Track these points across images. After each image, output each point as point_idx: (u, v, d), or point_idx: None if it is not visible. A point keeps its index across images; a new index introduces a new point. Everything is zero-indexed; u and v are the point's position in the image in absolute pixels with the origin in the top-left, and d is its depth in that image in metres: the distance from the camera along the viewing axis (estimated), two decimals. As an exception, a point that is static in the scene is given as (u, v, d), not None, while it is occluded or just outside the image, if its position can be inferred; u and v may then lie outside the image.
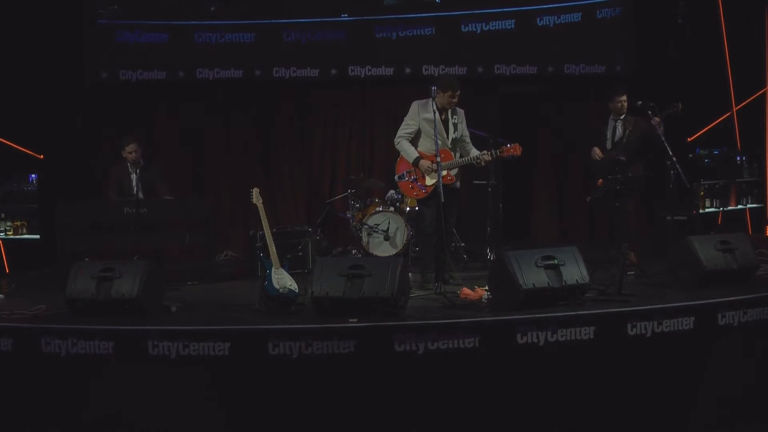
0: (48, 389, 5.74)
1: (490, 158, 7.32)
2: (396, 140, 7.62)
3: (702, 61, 10.31)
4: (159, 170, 8.76)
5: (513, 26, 10.55)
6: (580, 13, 10.57)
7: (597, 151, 8.31)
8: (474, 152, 7.52)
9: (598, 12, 10.61)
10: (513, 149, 7.29)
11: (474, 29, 10.54)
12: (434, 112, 7.28)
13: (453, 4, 10.51)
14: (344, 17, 10.47)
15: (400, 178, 7.68)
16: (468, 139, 7.60)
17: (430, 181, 7.45)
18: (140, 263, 6.47)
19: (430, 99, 7.34)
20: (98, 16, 10.21)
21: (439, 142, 7.26)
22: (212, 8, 10.21)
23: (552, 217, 11.32)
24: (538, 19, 10.55)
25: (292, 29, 10.48)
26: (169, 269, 8.28)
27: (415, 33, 10.54)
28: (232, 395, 5.65)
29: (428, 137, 7.40)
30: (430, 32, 10.54)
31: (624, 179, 7.52)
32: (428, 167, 7.38)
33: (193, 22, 10.36)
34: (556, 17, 10.52)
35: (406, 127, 7.56)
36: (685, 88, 9.87)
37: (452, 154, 7.43)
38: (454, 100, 7.36)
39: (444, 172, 7.27)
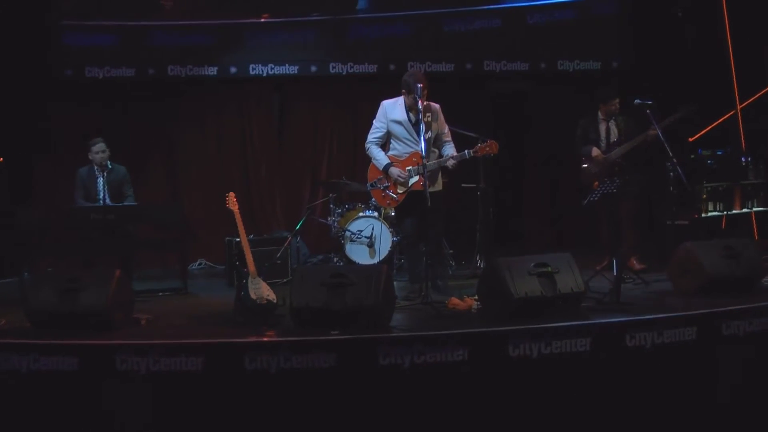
0: (6, 408, 5.68)
1: (459, 159, 7.25)
2: (366, 145, 7.57)
3: (704, 56, 10.34)
4: (127, 173, 8.70)
5: (500, 23, 10.60)
6: (574, 9, 10.62)
7: (596, 152, 8.32)
8: (448, 152, 7.42)
9: (593, 6, 10.66)
10: (488, 147, 7.24)
11: (459, 28, 10.58)
12: (419, 112, 7.11)
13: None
14: (315, 17, 10.50)
15: (372, 186, 7.63)
16: (447, 137, 7.49)
17: (401, 188, 7.42)
18: (107, 273, 6.42)
19: (401, 98, 7.30)
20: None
21: (412, 145, 7.26)
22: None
23: (545, 221, 11.33)
24: (528, 16, 10.60)
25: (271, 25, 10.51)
26: (139, 279, 8.23)
27: (397, 29, 10.57)
28: (207, 413, 5.61)
29: (398, 140, 7.37)
30: (414, 27, 10.57)
31: (621, 181, 7.53)
32: (398, 175, 7.35)
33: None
34: (548, 15, 10.56)
35: (375, 131, 7.52)
36: (686, 84, 9.93)
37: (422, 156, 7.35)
38: (419, 99, 7.15)
39: (416, 177, 7.24)
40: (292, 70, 10.53)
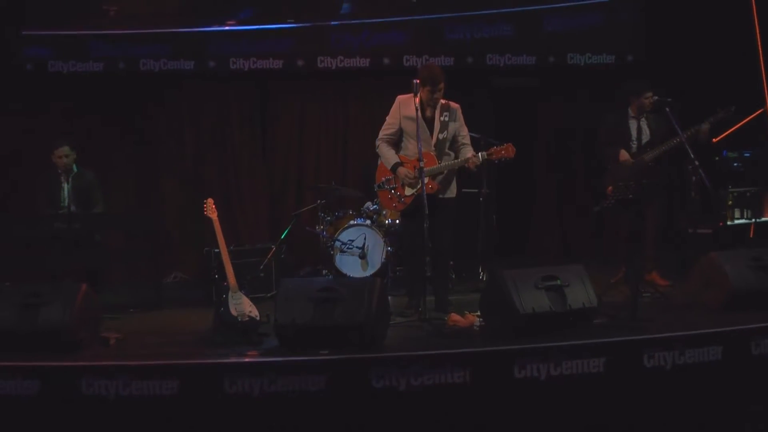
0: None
1: (479, 161, 7.30)
2: (376, 142, 7.63)
3: (728, 48, 10.34)
4: (95, 179, 8.68)
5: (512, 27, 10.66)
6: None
7: (625, 156, 8.25)
8: (465, 155, 7.46)
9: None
10: (504, 151, 7.26)
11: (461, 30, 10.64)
12: (417, 109, 7.19)
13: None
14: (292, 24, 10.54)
15: (379, 186, 7.68)
16: (465, 140, 7.52)
17: (409, 191, 7.44)
18: (72, 287, 6.40)
19: (414, 94, 7.32)
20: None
21: (424, 145, 7.25)
22: None
23: (554, 230, 11.33)
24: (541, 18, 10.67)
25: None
26: (108, 294, 8.20)
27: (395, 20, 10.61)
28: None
29: (412, 139, 7.38)
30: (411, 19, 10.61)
31: (638, 186, 7.51)
32: (406, 175, 7.37)
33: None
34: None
35: (387, 128, 7.56)
36: (710, 80, 9.91)
37: (435, 157, 7.39)
38: (435, 96, 7.31)
39: (425, 180, 7.24)
40: (276, 64, 10.51)
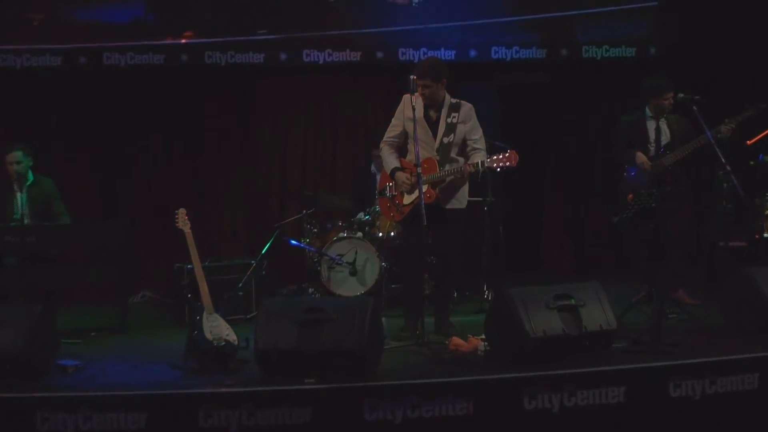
0: None
1: (473, 170, 7.25)
2: (380, 145, 7.68)
3: (762, 40, 10.37)
4: (54, 187, 8.66)
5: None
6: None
7: (642, 158, 8.25)
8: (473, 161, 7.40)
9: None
10: (506, 159, 7.20)
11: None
12: (413, 109, 7.15)
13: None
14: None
15: (380, 194, 7.73)
16: (477, 145, 7.45)
17: (407, 199, 7.43)
18: (26, 308, 6.37)
19: (411, 92, 7.30)
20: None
21: (429, 149, 7.28)
22: None
23: (568, 243, 11.34)
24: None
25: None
26: (67, 316, 8.17)
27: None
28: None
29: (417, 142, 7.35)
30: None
31: (662, 194, 7.50)
32: (404, 181, 7.37)
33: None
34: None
35: (391, 129, 7.61)
36: (740, 75, 9.91)
37: (438, 163, 7.36)
38: (423, 92, 7.27)
39: (424, 188, 7.20)
40: (257, 58, 10.53)
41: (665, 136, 8.33)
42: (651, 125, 8.37)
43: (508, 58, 10.68)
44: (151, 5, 10.47)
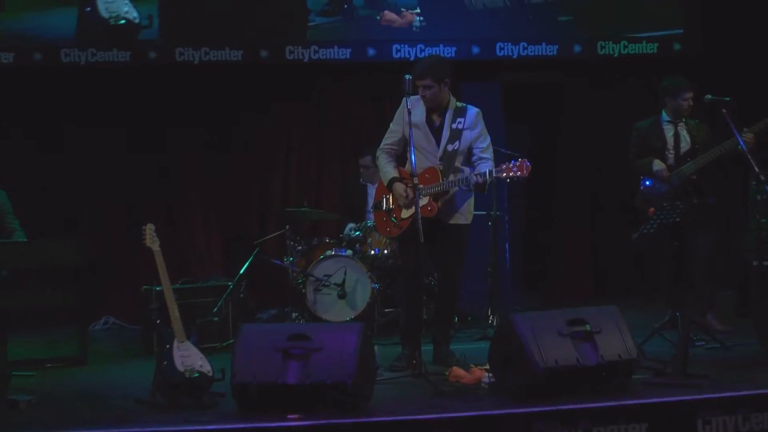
0: None
1: (480, 180, 7.23)
2: (376, 153, 7.69)
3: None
4: (8, 199, 8.63)
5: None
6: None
7: (660, 166, 8.24)
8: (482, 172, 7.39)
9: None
10: (516, 168, 7.19)
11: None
12: (409, 113, 7.17)
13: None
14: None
15: (375, 207, 7.74)
16: (484, 153, 7.45)
17: (405, 213, 7.41)
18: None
19: (407, 94, 7.30)
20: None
21: (431, 158, 7.30)
22: None
23: (582, 262, 11.35)
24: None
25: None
26: (19, 345, 8.12)
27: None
28: None
29: (416, 150, 7.33)
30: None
31: (688, 207, 7.49)
32: (400, 194, 7.36)
33: None
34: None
35: (389, 135, 7.62)
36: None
37: (441, 173, 7.34)
38: (422, 94, 7.30)
39: (424, 200, 7.21)
40: (235, 55, 10.53)
41: (685, 143, 8.32)
42: (669, 131, 8.37)
43: (515, 56, 10.68)
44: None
